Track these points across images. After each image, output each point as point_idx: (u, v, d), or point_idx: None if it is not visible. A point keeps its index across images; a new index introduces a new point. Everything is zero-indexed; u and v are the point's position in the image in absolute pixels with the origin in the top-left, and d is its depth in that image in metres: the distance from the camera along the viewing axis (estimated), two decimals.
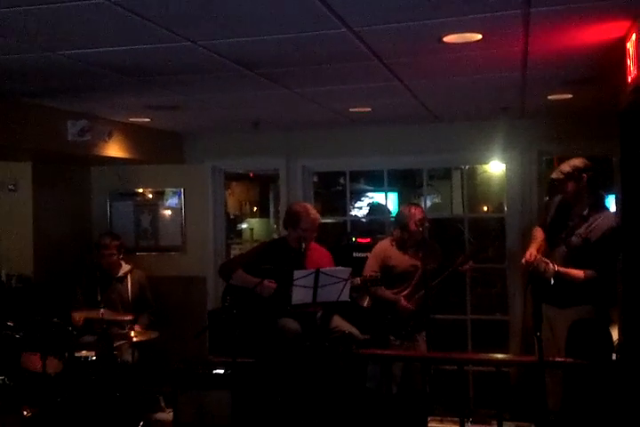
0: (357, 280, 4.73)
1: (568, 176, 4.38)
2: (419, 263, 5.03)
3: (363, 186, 8.97)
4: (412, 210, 5.10)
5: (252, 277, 4.62)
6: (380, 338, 5.04)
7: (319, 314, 4.73)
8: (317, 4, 2.64)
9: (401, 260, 5.10)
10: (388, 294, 5.08)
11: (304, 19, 2.87)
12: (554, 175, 4.51)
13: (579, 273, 4.28)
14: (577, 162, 4.42)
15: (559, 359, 4.26)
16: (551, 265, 4.30)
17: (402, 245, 5.13)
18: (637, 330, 3.50)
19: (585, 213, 4.36)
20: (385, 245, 5.22)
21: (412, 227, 5.05)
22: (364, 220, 8.00)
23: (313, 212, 4.84)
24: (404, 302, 5.01)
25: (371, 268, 5.09)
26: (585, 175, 4.35)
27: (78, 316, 5.22)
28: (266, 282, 4.56)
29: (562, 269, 4.30)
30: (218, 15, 2.81)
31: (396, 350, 5.02)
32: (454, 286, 5.52)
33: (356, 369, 4.89)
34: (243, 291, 4.65)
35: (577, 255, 4.33)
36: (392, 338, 5.06)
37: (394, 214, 7.08)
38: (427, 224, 5.20)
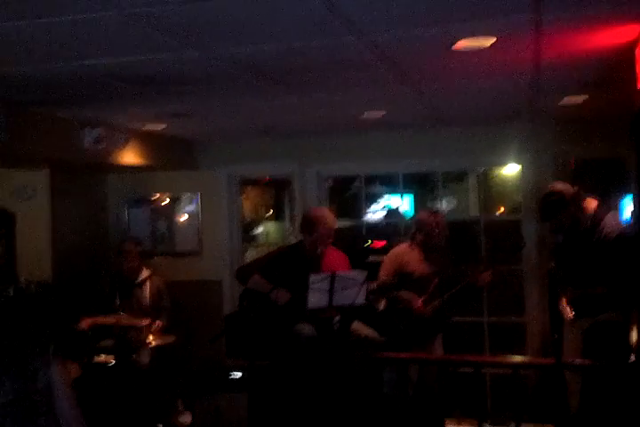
0: (373, 285, 4.72)
1: (559, 212, 4.26)
2: (436, 270, 4.98)
3: (378, 189, 8.97)
4: (432, 215, 5.02)
5: (268, 282, 4.63)
6: (396, 342, 5.01)
7: (337, 319, 4.72)
8: (328, 12, 2.66)
9: (419, 266, 5.03)
10: (403, 293, 5.02)
11: (315, 27, 2.89)
12: (549, 221, 4.44)
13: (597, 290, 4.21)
14: (552, 199, 4.28)
15: (577, 361, 4.24)
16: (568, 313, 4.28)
17: (426, 250, 5.03)
18: None
19: (589, 221, 4.28)
20: (402, 250, 5.13)
21: (434, 232, 4.97)
22: (379, 224, 8.00)
23: (330, 217, 4.81)
24: (419, 303, 4.96)
25: (386, 272, 5.07)
26: (568, 201, 4.23)
27: (85, 322, 5.27)
28: (280, 291, 4.56)
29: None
30: (228, 25, 2.83)
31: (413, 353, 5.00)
32: (471, 296, 5.46)
33: (372, 374, 4.88)
34: (259, 295, 4.67)
35: (597, 258, 4.23)
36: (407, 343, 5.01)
37: (407, 217, 7.08)
38: (446, 232, 5.10)
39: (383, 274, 5.06)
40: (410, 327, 4.98)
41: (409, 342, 4.98)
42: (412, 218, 5.41)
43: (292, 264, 4.69)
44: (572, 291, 4.30)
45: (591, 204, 4.27)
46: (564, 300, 4.37)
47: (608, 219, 4.19)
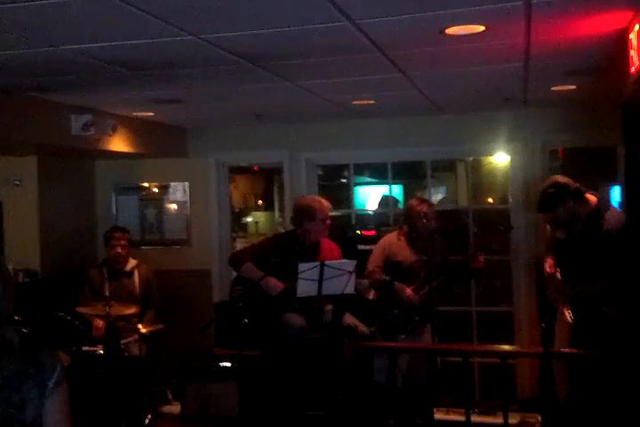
0: (366, 282, 4.72)
1: (557, 205, 4.20)
2: (425, 259, 4.99)
3: (367, 178, 8.96)
4: (421, 204, 5.03)
5: (260, 270, 4.61)
6: (386, 332, 5.03)
7: (328, 308, 4.71)
8: None
9: (407, 255, 5.04)
10: (381, 277, 4.98)
11: (305, 11, 2.87)
12: (547, 220, 4.41)
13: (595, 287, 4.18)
14: (551, 191, 4.22)
15: (564, 350, 4.26)
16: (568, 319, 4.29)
17: (410, 239, 5.07)
18: None
19: (589, 218, 4.23)
20: (391, 239, 5.14)
21: (421, 222, 4.98)
22: (370, 212, 7.99)
23: (324, 201, 4.81)
24: (408, 291, 4.96)
25: (375, 262, 5.07)
26: (566, 195, 4.18)
27: (97, 321, 5.25)
28: (272, 279, 4.54)
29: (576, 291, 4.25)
30: (219, 8, 2.81)
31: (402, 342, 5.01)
32: (462, 281, 5.47)
33: (362, 362, 4.89)
34: (251, 282, 4.65)
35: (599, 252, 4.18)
36: (397, 332, 5.03)
37: (401, 206, 7.07)
38: (435, 219, 5.10)
39: (372, 263, 5.06)
40: (400, 316, 4.99)
41: (399, 330, 4.99)
42: (401, 207, 5.40)
43: (288, 253, 4.64)
44: (570, 289, 4.30)
45: (591, 199, 4.24)
46: (562, 305, 4.36)
47: (609, 215, 4.17)
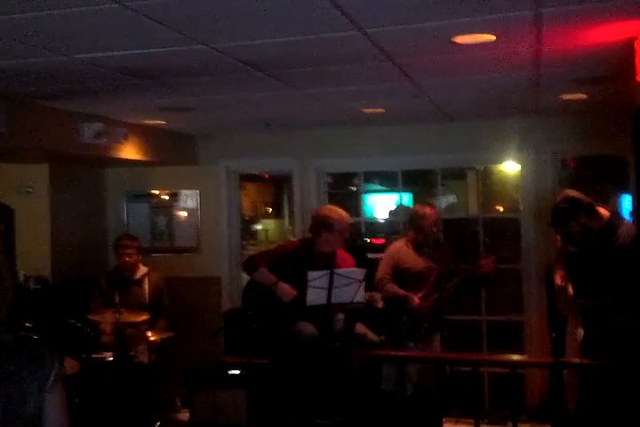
0: (379, 297, 4.73)
1: (570, 220, 4.17)
2: (433, 265, 4.99)
3: (377, 186, 8.95)
4: (427, 210, 5.04)
5: (274, 276, 4.60)
6: (395, 340, 5.01)
7: (339, 317, 4.70)
8: (328, 5, 2.65)
9: (415, 261, 5.05)
10: (398, 289, 5.00)
11: (315, 20, 2.89)
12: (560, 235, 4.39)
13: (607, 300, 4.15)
14: (563, 205, 4.20)
15: (575, 360, 4.23)
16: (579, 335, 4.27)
17: (417, 246, 5.07)
18: None
19: (601, 232, 4.20)
20: (398, 247, 5.15)
21: (428, 228, 4.99)
22: (381, 220, 7.97)
23: (342, 212, 4.81)
24: (416, 299, 4.93)
25: (384, 270, 5.07)
26: (579, 210, 4.15)
27: (104, 322, 5.27)
28: (284, 286, 4.54)
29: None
30: (230, 17, 2.83)
31: (411, 351, 5.00)
32: (471, 290, 5.45)
33: (371, 370, 4.87)
34: (263, 289, 4.65)
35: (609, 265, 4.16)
36: (406, 340, 5.02)
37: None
38: (441, 226, 5.12)
39: (381, 272, 5.07)
40: (409, 324, 4.97)
41: (408, 338, 4.98)
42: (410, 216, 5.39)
43: (303, 261, 4.63)
44: (581, 303, 4.28)
45: (604, 214, 4.22)
46: (574, 319, 4.35)
47: (622, 230, 4.15)
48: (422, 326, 4.98)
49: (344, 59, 3.61)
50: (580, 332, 4.28)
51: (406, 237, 5.19)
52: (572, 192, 4.31)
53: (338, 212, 4.80)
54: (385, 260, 5.15)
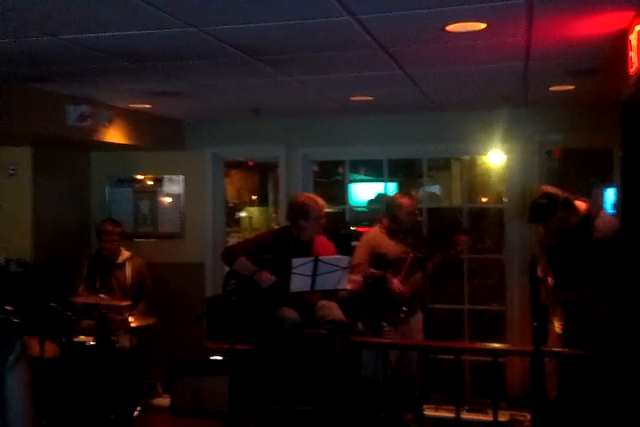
0: (359, 278, 4.72)
1: (547, 215, 4.27)
2: (408, 250, 5.05)
3: (362, 176, 8.95)
4: (404, 200, 5.11)
5: (253, 265, 4.61)
6: (374, 324, 5.03)
7: (320, 304, 4.71)
8: None
9: (391, 247, 5.11)
10: (375, 271, 4.99)
11: (307, 5, 2.86)
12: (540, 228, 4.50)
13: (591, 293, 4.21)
14: (541, 202, 4.29)
15: (555, 349, 4.28)
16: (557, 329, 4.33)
17: (391, 233, 5.14)
18: (637, 319, 3.51)
19: (579, 225, 4.27)
20: (374, 233, 5.22)
21: (402, 217, 5.07)
22: (365, 209, 7.99)
23: (320, 200, 4.81)
24: (396, 281, 4.98)
25: (361, 256, 5.10)
26: (556, 205, 4.23)
27: (78, 301, 5.24)
28: (264, 273, 4.54)
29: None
30: (221, 1, 2.80)
31: (391, 335, 5.02)
32: (451, 275, 5.51)
33: (351, 356, 4.89)
34: (244, 277, 4.65)
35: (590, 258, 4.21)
36: (385, 324, 5.04)
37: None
38: (419, 214, 5.18)
39: (358, 258, 5.09)
40: (388, 308, 5.00)
41: (387, 323, 5.00)
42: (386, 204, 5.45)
43: (282, 249, 4.64)
44: (562, 294, 4.34)
45: (580, 207, 4.29)
46: (551, 313, 4.41)
47: (599, 222, 4.21)
48: (401, 310, 5.02)
49: (335, 45, 3.59)
50: (556, 324, 4.35)
51: (380, 224, 5.25)
52: (549, 188, 4.41)
53: (314, 199, 4.79)
54: (362, 246, 5.19)
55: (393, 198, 5.25)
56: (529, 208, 4.44)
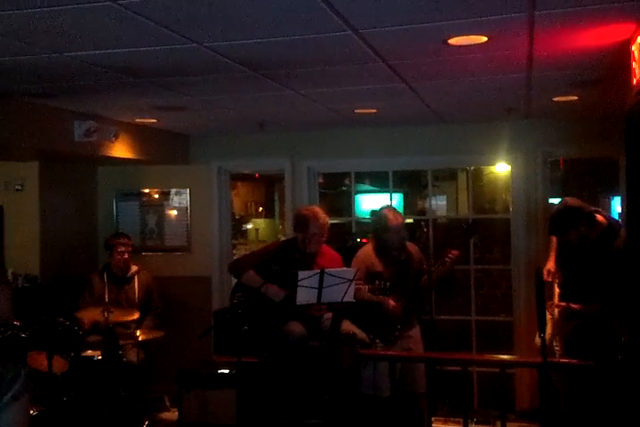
0: (365, 288, 4.69)
1: (569, 229, 4.20)
2: (401, 267, 4.94)
3: (368, 187, 8.97)
4: (390, 215, 4.93)
5: (261, 278, 4.62)
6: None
7: (326, 315, 4.70)
8: (322, 6, 2.65)
9: (385, 265, 4.96)
10: (371, 296, 4.84)
11: (309, 21, 2.88)
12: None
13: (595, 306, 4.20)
14: (564, 215, 4.21)
15: (564, 360, 4.25)
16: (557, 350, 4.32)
17: (381, 251, 4.98)
18: None
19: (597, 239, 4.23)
20: (367, 251, 5.05)
21: (390, 232, 4.89)
22: (370, 221, 7.98)
23: (322, 216, 4.76)
24: (391, 302, 4.85)
25: (357, 277, 4.98)
26: (580, 220, 4.16)
27: (86, 317, 5.25)
28: (272, 286, 4.55)
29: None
30: (223, 17, 2.82)
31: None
32: (457, 287, 5.45)
33: (355, 371, 4.84)
34: (251, 290, 4.65)
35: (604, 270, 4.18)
36: (377, 341, 4.91)
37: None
38: (401, 231, 4.95)
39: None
40: (384, 329, 4.90)
41: (382, 341, 4.92)
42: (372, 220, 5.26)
43: (285, 261, 4.66)
44: (563, 306, 4.32)
45: (601, 222, 4.23)
46: (552, 338, 4.38)
47: (623, 231, 4.16)
48: (396, 328, 4.94)
49: (338, 60, 3.61)
50: (555, 344, 4.32)
51: (372, 243, 5.09)
52: (572, 201, 4.30)
53: (315, 212, 4.77)
54: (356, 263, 4.99)
55: (379, 214, 5.01)
56: (549, 220, 4.33)
